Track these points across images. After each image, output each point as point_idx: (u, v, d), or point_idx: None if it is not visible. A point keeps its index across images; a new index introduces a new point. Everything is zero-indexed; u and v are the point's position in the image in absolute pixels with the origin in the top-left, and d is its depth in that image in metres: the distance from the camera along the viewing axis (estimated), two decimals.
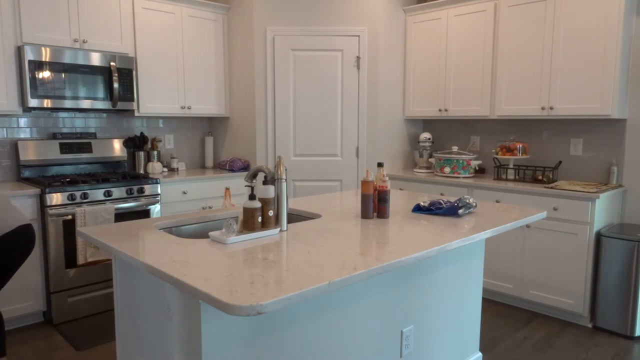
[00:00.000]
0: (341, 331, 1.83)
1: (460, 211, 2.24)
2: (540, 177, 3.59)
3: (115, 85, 3.55)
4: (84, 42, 3.47)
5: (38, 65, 3.23)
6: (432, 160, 4.17)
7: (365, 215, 2.17)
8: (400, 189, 3.90)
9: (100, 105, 3.54)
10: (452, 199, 2.43)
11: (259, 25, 4.05)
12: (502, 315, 3.40)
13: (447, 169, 3.95)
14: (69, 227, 3.18)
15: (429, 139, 4.31)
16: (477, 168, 4.03)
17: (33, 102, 3.23)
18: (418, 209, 2.32)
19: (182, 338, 1.50)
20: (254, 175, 1.95)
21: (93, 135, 3.87)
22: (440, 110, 4.16)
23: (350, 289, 1.85)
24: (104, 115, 3.96)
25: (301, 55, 4.08)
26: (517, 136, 3.99)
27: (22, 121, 3.56)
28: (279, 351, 1.62)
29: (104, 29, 3.58)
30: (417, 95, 4.34)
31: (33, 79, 3.22)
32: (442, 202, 2.33)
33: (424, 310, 2.22)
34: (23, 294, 3.10)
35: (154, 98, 3.92)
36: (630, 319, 3.04)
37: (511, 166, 3.76)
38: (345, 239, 1.78)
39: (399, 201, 2.63)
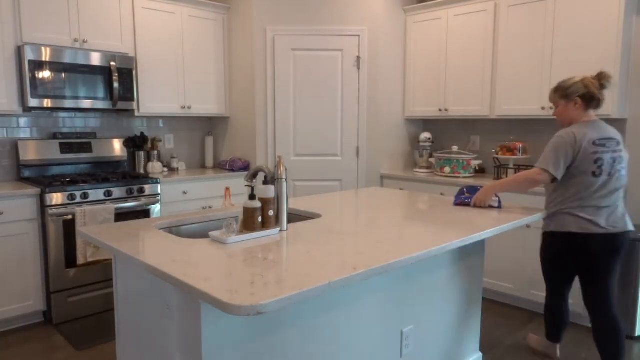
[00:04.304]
0: (341, 331, 1.83)
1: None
2: None
3: (115, 85, 3.55)
4: (84, 42, 3.47)
5: (38, 65, 3.23)
6: (432, 160, 4.17)
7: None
8: (401, 189, 3.90)
9: (100, 105, 3.54)
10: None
11: (259, 25, 4.05)
12: (502, 315, 3.40)
13: (447, 169, 3.95)
14: (69, 227, 3.18)
15: (429, 138, 4.31)
16: (477, 168, 4.03)
17: (33, 102, 3.22)
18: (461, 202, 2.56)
19: (182, 338, 1.50)
20: (254, 175, 1.95)
21: (93, 135, 3.87)
22: (440, 110, 4.15)
23: (351, 289, 1.85)
24: (104, 115, 3.96)
25: (301, 55, 4.08)
26: (517, 136, 3.99)
27: (22, 121, 3.56)
28: (279, 351, 1.62)
29: (104, 29, 3.58)
30: (417, 95, 4.34)
31: (33, 78, 3.21)
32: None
33: (424, 310, 2.22)
34: (23, 294, 3.10)
35: (154, 98, 3.92)
36: (630, 319, 3.03)
37: (511, 166, 3.75)
38: (345, 239, 1.78)
39: (398, 201, 2.63)
